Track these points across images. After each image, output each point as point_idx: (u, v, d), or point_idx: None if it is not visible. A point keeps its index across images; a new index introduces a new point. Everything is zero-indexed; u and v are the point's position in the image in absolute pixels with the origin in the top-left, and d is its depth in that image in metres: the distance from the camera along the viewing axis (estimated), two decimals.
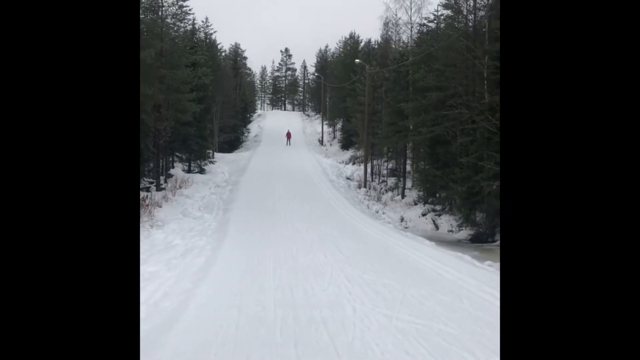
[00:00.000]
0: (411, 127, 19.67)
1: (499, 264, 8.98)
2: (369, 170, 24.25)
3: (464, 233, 15.43)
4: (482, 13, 15.64)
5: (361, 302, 5.27)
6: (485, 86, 14.36)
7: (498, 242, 13.75)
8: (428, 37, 21.01)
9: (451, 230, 16.14)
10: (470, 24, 16.12)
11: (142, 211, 12.60)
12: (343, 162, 29.75)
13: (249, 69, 63.92)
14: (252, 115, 49.60)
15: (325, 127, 43.10)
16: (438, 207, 18.28)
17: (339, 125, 40.04)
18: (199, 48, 23.42)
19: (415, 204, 19.36)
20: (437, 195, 18.42)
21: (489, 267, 7.96)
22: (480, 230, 14.77)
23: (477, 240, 14.41)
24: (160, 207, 14.16)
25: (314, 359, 3.73)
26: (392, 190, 22.40)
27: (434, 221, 17.29)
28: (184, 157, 23.01)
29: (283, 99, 75.53)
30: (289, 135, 37.55)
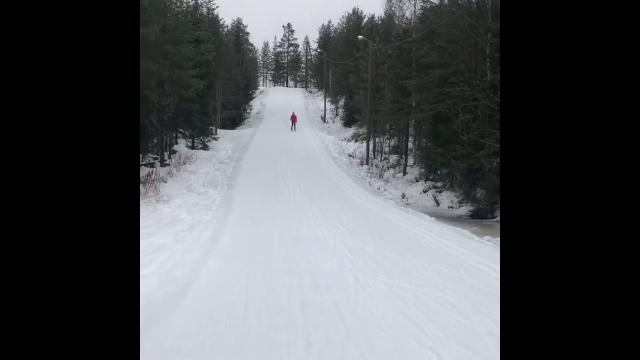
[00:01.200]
0: (414, 104, 19.75)
1: (497, 238, 9.26)
2: (371, 147, 24.39)
3: (464, 209, 15.68)
4: None
5: (363, 272, 5.53)
6: (488, 64, 14.43)
7: (498, 218, 14.03)
8: (431, 14, 20.88)
9: (451, 207, 16.39)
10: (474, 0, 16.07)
11: (148, 186, 12.85)
12: (345, 139, 29.86)
13: (251, 45, 63.50)
14: (254, 92, 49.48)
15: (327, 104, 43.05)
16: (439, 184, 18.50)
17: (341, 102, 39.95)
18: (202, 24, 23.34)
19: (417, 181, 19.58)
20: (439, 172, 18.63)
21: (487, 242, 8.21)
22: (480, 206, 15.01)
23: (477, 216, 14.68)
24: (166, 182, 14.40)
25: (319, 321, 4.00)
26: (394, 168, 22.58)
27: (434, 198, 17.53)
28: (187, 133, 23.16)
29: (285, 75, 75.10)
30: (294, 118, 31.68)
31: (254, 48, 66.42)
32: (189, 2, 22.63)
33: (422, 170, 19.80)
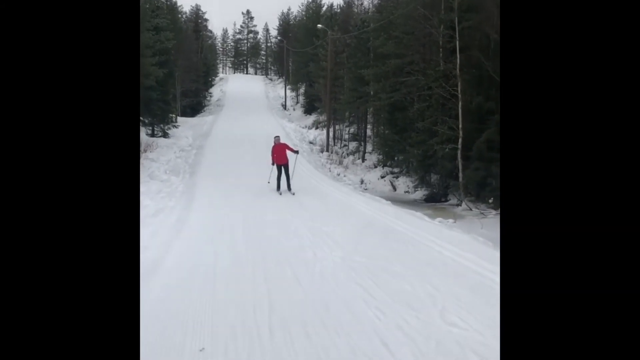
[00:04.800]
0: (372, 92, 20.36)
1: (449, 220, 9.97)
2: (331, 134, 24.94)
3: (420, 194, 16.49)
4: None
5: (320, 249, 6.05)
6: (441, 54, 15.12)
7: (450, 202, 14.86)
8: (389, 4, 21.48)
9: (407, 191, 17.17)
10: None
11: None
12: (306, 126, 30.29)
13: (210, 32, 62.68)
14: (214, 79, 49.09)
15: (288, 91, 43.26)
16: (396, 170, 19.26)
17: (301, 90, 40.25)
18: (160, 11, 23.15)
19: (375, 167, 20.28)
20: (396, 158, 19.39)
21: (438, 223, 8.85)
22: (434, 190, 15.85)
23: (431, 200, 15.49)
24: None
25: (280, 289, 4.49)
26: (353, 154, 23.23)
27: (391, 183, 18.28)
28: (147, 121, 23.03)
29: (245, 62, 74.57)
30: (279, 150, 11.88)
31: (214, 35, 65.66)
32: None
33: (380, 156, 20.51)
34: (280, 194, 11.07)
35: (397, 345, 3.37)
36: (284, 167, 11.53)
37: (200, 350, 3.33)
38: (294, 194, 11.01)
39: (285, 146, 11.89)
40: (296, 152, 12.26)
